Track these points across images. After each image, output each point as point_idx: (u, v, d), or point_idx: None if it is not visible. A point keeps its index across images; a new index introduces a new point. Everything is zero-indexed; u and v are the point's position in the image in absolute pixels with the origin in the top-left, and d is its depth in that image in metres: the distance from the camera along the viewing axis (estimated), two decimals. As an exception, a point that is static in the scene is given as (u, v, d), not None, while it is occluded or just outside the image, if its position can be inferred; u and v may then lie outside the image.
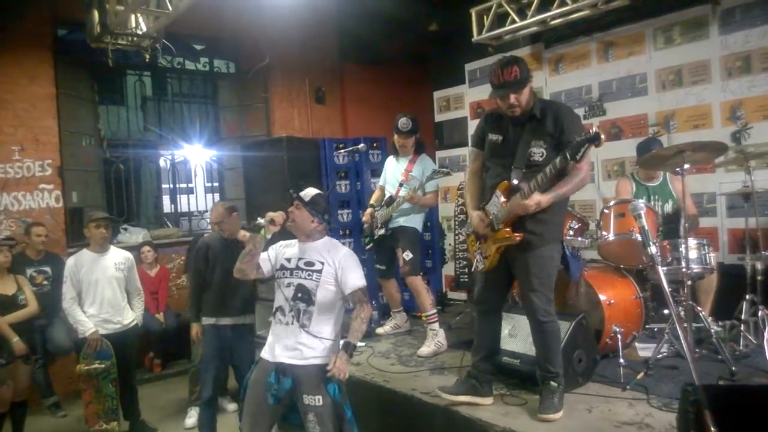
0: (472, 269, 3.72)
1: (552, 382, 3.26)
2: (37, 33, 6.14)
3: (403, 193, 4.71)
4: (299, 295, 3.10)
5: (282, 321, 3.12)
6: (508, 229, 3.20)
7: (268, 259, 3.24)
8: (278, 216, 3.14)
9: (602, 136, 2.80)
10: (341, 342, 3.11)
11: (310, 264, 3.16)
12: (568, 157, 2.87)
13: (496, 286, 3.46)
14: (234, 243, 4.21)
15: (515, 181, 3.17)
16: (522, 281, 3.30)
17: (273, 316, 3.20)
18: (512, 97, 3.12)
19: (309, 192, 3.26)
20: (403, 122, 4.71)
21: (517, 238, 3.16)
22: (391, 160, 5.00)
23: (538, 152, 3.16)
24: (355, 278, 3.15)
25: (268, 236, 3.15)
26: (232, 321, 4.31)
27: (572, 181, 3.11)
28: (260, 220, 3.12)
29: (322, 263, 3.15)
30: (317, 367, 3.03)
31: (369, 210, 4.98)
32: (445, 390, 3.47)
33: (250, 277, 3.27)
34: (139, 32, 5.42)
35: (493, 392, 3.51)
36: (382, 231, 4.80)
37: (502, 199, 3.22)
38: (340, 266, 3.14)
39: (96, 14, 5.36)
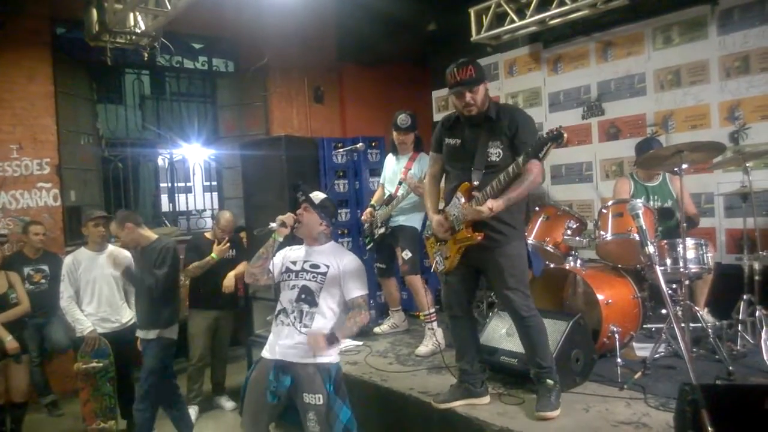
0: (432, 270, 3.75)
1: (548, 380, 3.26)
2: (35, 31, 6.14)
3: (402, 191, 4.71)
4: (303, 296, 3.14)
5: (284, 322, 3.15)
6: (468, 229, 3.21)
7: (275, 263, 3.28)
8: (288, 217, 3.18)
9: (565, 135, 2.85)
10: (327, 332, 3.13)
11: (315, 266, 3.20)
12: (531, 155, 2.92)
13: (460, 288, 3.46)
14: (139, 253, 4.18)
15: (476, 182, 3.20)
16: (497, 282, 3.31)
17: (275, 318, 3.23)
18: (468, 96, 3.18)
19: (318, 195, 3.30)
20: (402, 119, 4.72)
21: (479, 238, 3.18)
22: (390, 159, 5.00)
23: (494, 152, 3.20)
24: (358, 285, 3.19)
25: (280, 239, 3.19)
26: (141, 334, 4.28)
27: (522, 185, 3.10)
28: (272, 225, 3.14)
29: (327, 266, 3.19)
30: (317, 366, 3.04)
31: (368, 210, 4.98)
32: (440, 400, 3.47)
33: (260, 282, 3.30)
34: (138, 31, 5.42)
35: (488, 390, 3.51)
36: (382, 230, 4.80)
37: (463, 200, 3.24)
38: (344, 271, 3.18)
39: (95, 13, 5.36)
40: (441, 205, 3.47)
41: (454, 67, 3.20)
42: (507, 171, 3.03)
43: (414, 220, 4.77)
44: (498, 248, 3.22)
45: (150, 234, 4.37)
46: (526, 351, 3.39)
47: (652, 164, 4.25)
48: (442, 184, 3.56)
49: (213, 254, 5.09)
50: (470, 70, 3.16)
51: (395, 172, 4.86)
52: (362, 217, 5.07)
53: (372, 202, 5.06)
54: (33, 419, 5.17)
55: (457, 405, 3.41)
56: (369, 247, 5.00)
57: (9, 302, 4.90)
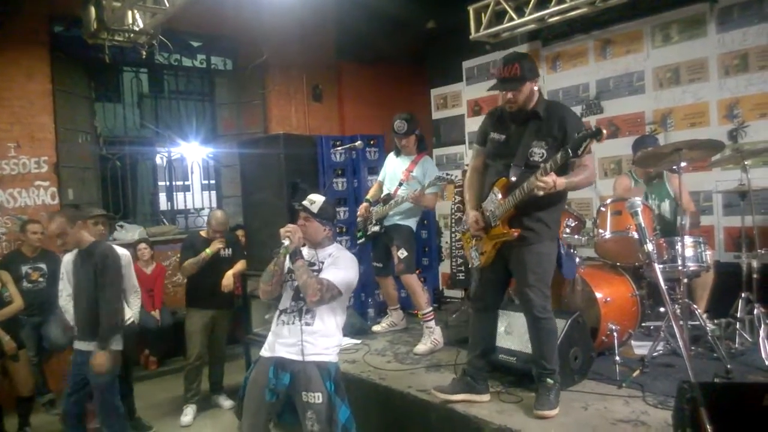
0: (469, 266, 3.72)
1: (548, 379, 3.26)
2: (33, 30, 6.13)
3: (402, 192, 4.70)
4: (301, 294, 3.11)
5: (285, 321, 3.14)
6: (505, 225, 3.21)
7: None
8: (293, 230, 3.11)
9: (604, 132, 2.84)
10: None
11: (312, 264, 3.18)
12: (570, 152, 2.88)
13: (492, 283, 3.45)
14: (83, 254, 3.89)
15: (513, 179, 3.17)
16: (519, 277, 3.30)
17: (276, 318, 3.21)
18: (509, 93, 3.17)
19: (316, 201, 3.23)
20: (398, 125, 4.69)
21: (515, 234, 3.17)
22: (392, 157, 4.98)
23: (538, 152, 3.17)
24: (332, 273, 3.09)
25: (289, 252, 3.14)
26: (82, 346, 3.89)
27: (583, 174, 3.12)
28: (285, 243, 3.09)
29: (322, 263, 3.18)
30: (317, 364, 3.04)
31: (364, 205, 4.95)
32: (441, 389, 3.47)
33: (274, 295, 3.25)
34: (136, 29, 5.41)
35: (489, 389, 3.50)
36: (377, 228, 4.78)
37: (500, 196, 3.23)
38: (330, 263, 3.15)
39: (93, 11, 5.36)
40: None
41: (502, 62, 3.17)
42: (544, 167, 2.97)
43: (410, 220, 4.76)
44: (528, 245, 3.21)
45: (89, 236, 4.10)
46: (533, 350, 3.38)
47: (650, 162, 4.25)
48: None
49: (207, 250, 5.08)
50: (515, 68, 3.11)
51: (396, 172, 4.84)
52: (357, 213, 5.05)
53: (367, 197, 5.03)
54: (31, 418, 5.15)
55: (457, 398, 3.41)
56: (360, 241, 4.99)
57: (3, 300, 4.89)
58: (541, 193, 3.00)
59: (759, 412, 2.26)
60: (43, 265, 5.44)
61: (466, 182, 3.61)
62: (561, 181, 3.01)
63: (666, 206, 4.57)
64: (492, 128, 3.39)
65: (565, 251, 3.52)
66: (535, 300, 3.22)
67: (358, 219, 4.97)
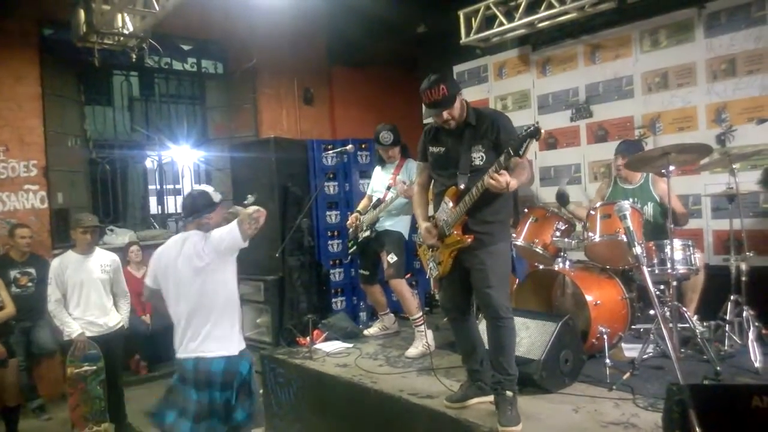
0: (426, 276, 3.78)
1: (507, 392, 3.19)
2: (23, 32, 6.10)
3: (390, 196, 4.71)
4: None
5: None
6: (459, 233, 3.24)
7: None
8: None
9: (542, 130, 2.90)
10: None
11: None
12: (512, 152, 2.95)
13: (456, 290, 3.46)
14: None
15: (462, 186, 3.23)
16: (479, 279, 3.27)
17: None
18: (445, 114, 3.23)
19: None
20: (384, 137, 4.75)
21: (469, 240, 3.20)
22: (377, 171, 5.04)
23: (478, 156, 3.25)
24: None
25: None
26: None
27: (524, 173, 3.18)
28: None
29: None
30: None
31: (354, 215, 4.98)
32: (453, 399, 3.46)
33: None
34: (126, 32, 5.39)
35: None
36: (368, 233, 4.80)
37: (451, 204, 3.28)
38: None
39: (82, 14, 5.33)
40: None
41: (426, 87, 3.22)
42: (495, 168, 3.02)
43: (400, 226, 4.78)
44: (484, 247, 3.23)
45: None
46: (494, 354, 3.30)
47: (639, 166, 4.28)
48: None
49: None
50: (442, 89, 3.17)
51: (383, 180, 4.88)
52: (347, 223, 5.07)
53: (358, 209, 5.06)
54: (20, 424, 5.11)
55: (472, 404, 3.42)
56: (352, 251, 5.00)
57: None
58: (495, 190, 3.04)
59: (748, 413, 2.28)
60: (32, 270, 5.41)
61: (414, 198, 3.68)
62: (514, 183, 3.06)
63: (649, 209, 4.59)
64: (430, 144, 3.48)
65: (515, 254, 3.56)
66: (499, 300, 3.21)
67: (349, 230, 4.98)
